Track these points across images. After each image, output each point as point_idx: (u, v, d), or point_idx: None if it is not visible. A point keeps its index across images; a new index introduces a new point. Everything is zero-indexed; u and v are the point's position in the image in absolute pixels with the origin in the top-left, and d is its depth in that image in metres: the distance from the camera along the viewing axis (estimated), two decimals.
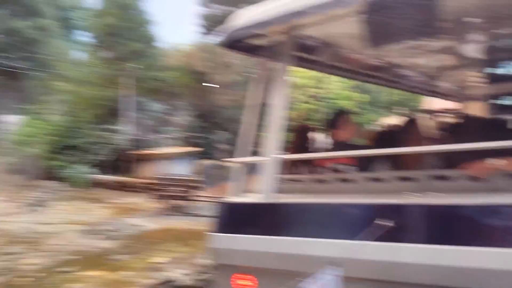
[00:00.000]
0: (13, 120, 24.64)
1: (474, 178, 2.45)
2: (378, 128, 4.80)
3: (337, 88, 22.86)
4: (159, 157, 20.40)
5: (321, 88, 21.62)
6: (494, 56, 4.69)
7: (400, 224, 2.24)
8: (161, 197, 15.29)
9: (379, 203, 2.46)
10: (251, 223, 2.94)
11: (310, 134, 4.08)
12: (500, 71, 5.34)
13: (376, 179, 2.86)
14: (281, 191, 2.98)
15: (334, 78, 19.56)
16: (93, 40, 26.36)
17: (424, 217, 2.26)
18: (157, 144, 22.25)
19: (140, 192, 19.06)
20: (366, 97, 22.65)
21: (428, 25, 2.51)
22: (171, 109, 23.66)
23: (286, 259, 2.61)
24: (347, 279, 2.11)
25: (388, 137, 3.87)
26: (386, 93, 21.21)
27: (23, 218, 14.61)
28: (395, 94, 20.52)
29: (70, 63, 26.26)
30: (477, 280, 1.99)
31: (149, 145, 21.25)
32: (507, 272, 1.91)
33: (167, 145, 22.36)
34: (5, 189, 18.24)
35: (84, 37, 33.09)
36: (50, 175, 20.56)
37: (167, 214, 15.03)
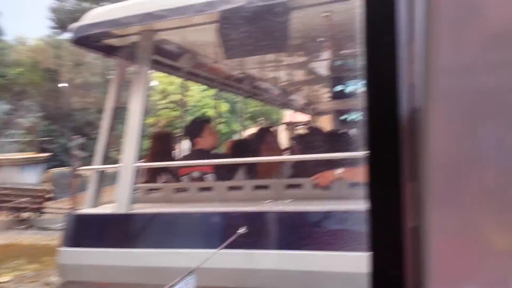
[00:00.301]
0: None
1: (321, 186, 2.69)
2: (236, 138, 5.02)
3: (197, 95, 23.22)
4: (2, 163, 18.10)
5: (185, 95, 21.68)
6: (339, 74, 5.26)
7: (253, 231, 2.33)
8: (6, 209, 13.59)
9: (235, 211, 2.54)
10: (103, 235, 2.83)
11: (172, 142, 4.09)
12: (345, 88, 6.05)
13: (233, 188, 2.95)
14: (139, 200, 2.93)
15: (198, 85, 19.84)
16: None
17: (275, 224, 2.41)
18: (0, 149, 19.74)
19: None
20: (227, 106, 23.37)
21: (278, 41, 2.63)
22: (16, 110, 21.15)
23: (139, 272, 2.55)
24: None
25: (243, 146, 4.10)
26: (251, 104, 22.21)
27: None
28: (260, 106, 21.72)
29: None
30: (324, 283, 2.16)
31: None
32: (347, 274, 2.04)
33: (12, 150, 19.98)
34: None
35: None
36: None
37: (13, 228, 13.45)
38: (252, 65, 4.58)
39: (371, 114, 0.39)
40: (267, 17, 2.57)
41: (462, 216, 0.36)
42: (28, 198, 13.84)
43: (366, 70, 0.41)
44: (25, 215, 13.83)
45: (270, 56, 4.03)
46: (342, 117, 8.20)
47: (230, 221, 2.47)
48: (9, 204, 13.61)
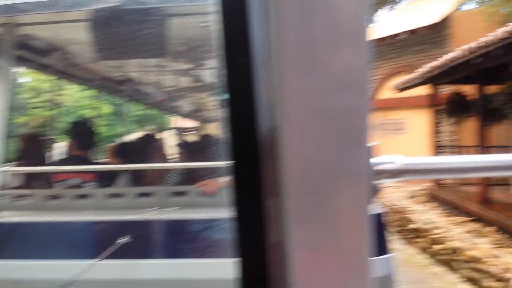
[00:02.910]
0: None
1: (206, 194, 2.68)
2: (117, 142, 4.82)
3: (76, 95, 21.76)
4: None
5: (61, 94, 20.13)
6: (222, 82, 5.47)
7: (135, 240, 2.26)
8: None
9: (113, 219, 2.46)
10: None
11: (43, 144, 3.87)
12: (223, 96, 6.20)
13: (114, 195, 2.84)
14: (7, 208, 2.70)
15: (75, 85, 18.56)
16: None
17: (158, 232, 2.38)
18: None
19: None
20: (110, 108, 22.24)
21: (157, 46, 2.60)
22: None
23: (7, 286, 2.36)
24: None
25: (126, 151, 3.94)
26: (137, 108, 21.41)
27: None
28: (145, 110, 21.06)
29: None
30: None
31: None
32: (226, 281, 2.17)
33: None
34: None
35: None
36: None
37: None
38: (133, 68, 4.42)
39: (232, 129, 0.42)
40: (144, 21, 2.52)
41: (321, 230, 0.40)
42: None
43: (226, 87, 0.43)
44: None
45: (152, 61, 3.94)
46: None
47: (110, 230, 2.38)
48: None
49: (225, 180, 2.63)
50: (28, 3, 2.38)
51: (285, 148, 0.38)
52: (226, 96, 0.43)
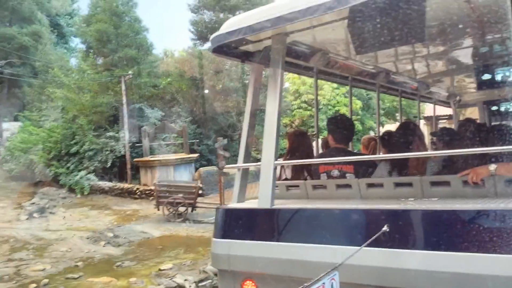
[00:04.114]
0: (11, 127, 24.74)
1: (471, 183, 2.52)
2: (375, 135, 4.82)
3: (330, 94, 23.19)
4: (159, 164, 20.48)
5: (317, 94, 21.87)
6: (485, 62, 4.80)
7: (397, 230, 2.28)
8: (164, 203, 15.41)
9: (376, 208, 2.51)
10: (250, 229, 3.00)
11: (307, 140, 4.15)
12: (492, 76, 5.41)
13: (374, 185, 2.92)
14: (280, 197, 3.04)
15: (326, 83, 19.86)
16: (87, 47, 26.43)
17: (421, 223, 2.34)
18: (157, 151, 22.38)
19: (142, 198, 19.21)
20: (359, 103, 22.93)
21: (415, 31, 2.52)
22: (168, 116, 23.81)
23: (284, 264, 2.67)
24: (345, 285, 2.12)
25: (385, 143, 3.94)
26: (386, 100, 21.45)
27: (27, 225, 14.74)
28: (393, 101, 20.82)
29: (65, 70, 26.29)
30: (476, 286, 2.04)
31: (148, 151, 21.39)
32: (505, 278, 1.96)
33: (166, 152, 22.47)
34: (8, 196, 18.35)
35: (77, 43, 33.22)
36: (51, 182, 20.65)
37: (170, 221, 15.16)
38: (386, 58, 4.33)
39: None
40: (401, 7, 2.48)
41: None
42: (183, 194, 15.43)
43: None
44: (179, 209, 15.44)
45: (406, 48, 3.85)
46: (493, 108, 7.48)
47: (372, 219, 2.46)
48: (167, 199, 15.36)
49: (492, 168, 2.46)
50: (293, 12, 2.57)
51: None
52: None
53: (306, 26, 2.90)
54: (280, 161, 3.73)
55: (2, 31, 28.86)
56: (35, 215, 16.15)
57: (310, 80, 20.63)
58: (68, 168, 20.83)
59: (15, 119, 26.77)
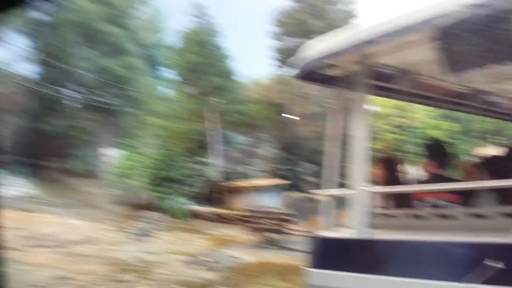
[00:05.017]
0: (112, 154, 26.86)
1: None
2: (475, 159, 4.49)
3: (423, 117, 22.30)
4: (248, 189, 21.03)
5: (405, 117, 21.28)
6: None
7: (509, 266, 2.10)
8: (255, 229, 15.70)
9: (487, 242, 2.31)
10: (346, 259, 2.89)
11: (399, 166, 3.98)
12: None
13: (480, 216, 2.67)
14: (373, 226, 2.86)
15: (419, 106, 19.16)
16: (176, 76, 28.09)
17: None
18: (246, 176, 23.01)
19: (234, 223, 19.77)
20: (456, 126, 21.79)
21: (508, 48, 2.36)
22: (255, 141, 24.47)
23: None
24: None
25: (489, 168, 3.57)
26: (478, 122, 20.28)
27: (130, 247, 15.75)
28: (488, 122, 19.61)
29: (158, 99, 28.10)
30: None
31: (238, 177, 22.09)
32: None
33: (255, 177, 23.01)
34: (110, 219, 19.85)
35: (169, 73, 35.44)
36: (151, 206, 21.96)
37: (262, 247, 15.38)
38: (481, 78, 3.86)
39: None
40: (496, 25, 2.30)
41: None
42: (271, 220, 15.65)
43: None
44: (269, 235, 15.64)
45: (502, 67, 3.63)
46: None
47: (479, 253, 2.25)
48: (255, 225, 15.66)
49: None
50: (379, 34, 2.54)
51: None
52: None
53: (391, 47, 2.80)
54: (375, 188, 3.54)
55: (101, 64, 31.54)
56: (137, 238, 17.25)
57: (399, 103, 20.08)
58: (164, 192, 22.09)
59: (115, 146, 29.05)
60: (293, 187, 22.92)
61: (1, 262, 1.08)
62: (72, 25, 28.50)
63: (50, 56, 26.98)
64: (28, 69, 31.40)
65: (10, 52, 27.09)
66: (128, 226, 18.88)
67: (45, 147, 26.52)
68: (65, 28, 28.35)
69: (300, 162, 22.13)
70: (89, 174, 26.29)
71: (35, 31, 28.19)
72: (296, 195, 20.76)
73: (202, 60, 25.63)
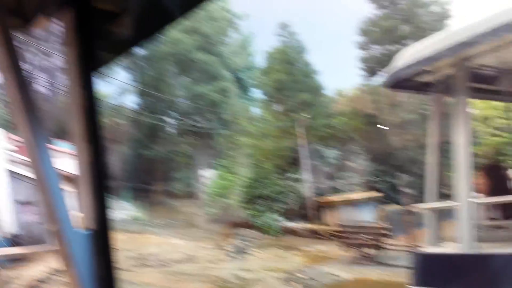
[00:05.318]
0: (208, 174, 28.25)
1: None
2: None
3: None
4: (342, 203, 20.73)
5: (509, 118, 19.46)
6: None
7: None
8: (350, 245, 15.37)
9: None
10: (453, 276, 2.71)
11: (505, 173, 3.75)
12: None
13: None
14: (480, 239, 2.70)
15: None
16: (264, 96, 28.85)
17: None
18: (338, 190, 22.73)
19: (328, 239, 19.55)
20: None
21: None
22: (346, 154, 24.11)
23: None
24: None
25: None
26: None
27: (227, 265, 16.33)
28: None
29: (249, 119, 29.08)
30: None
31: (330, 191, 21.89)
32: None
33: (347, 191, 22.65)
34: (209, 238, 20.77)
35: (257, 93, 36.56)
36: (246, 224, 22.55)
37: (359, 263, 14.99)
38: None
39: None
40: None
41: None
42: (367, 235, 15.17)
43: None
44: (365, 251, 15.15)
45: None
46: None
47: None
48: (351, 241, 15.28)
49: None
50: (476, 35, 2.43)
51: None
52: None
53: (491, 47, 2.66)
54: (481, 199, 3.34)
55: (196, 90, 33.52)
56: (233, 255, 17.82)
57: (501, 104, 18.45)
58: (258, 210, 22.57)
59: (210, 166, 30.51)
60: (388, 199, 22.02)
61: (114, 282, 1.20)
62: (167, 57, 30.92)
63: (149, 87, 29.42)
64: (130, 100, 34.66)
65: (114, 86, 30.25)
66: (225, 244, 19.56)
67: (147, 172, 28.83)
68: (161, 60, 30.84)
69: (394, 173, 21.23)
70: (188, 195, 27.90)
71: (135, 65, 31.04)
72: (392, 208, 19.92)
73: (288, 77, 26.08)
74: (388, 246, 15.05)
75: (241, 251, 18.22)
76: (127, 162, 27.66)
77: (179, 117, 31.88)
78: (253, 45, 40.88)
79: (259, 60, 37.31)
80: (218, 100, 33.93)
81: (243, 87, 42.43)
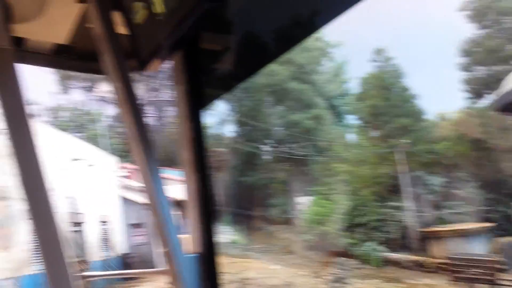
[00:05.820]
0: (304, 201, 28.36)
1: None
2: None
3: None
4: (449, 234, 19.41)
5: None
6: None
7: None
8: (460, 279, 14.29)
9: None
10: None
11: None
12: None
13: None
14: None
15: None
16: (359, 122, 28.42)
17: None
18: (443, 220, 21.38)
19: (435, 272, 18.37)
20: None
21: None
22: (452, 182, 22.66)
23: None
24: None
25: None
26: None
27: None
28: None
29: (344, 145, 28.79)
30: None
31: (434, 221, 20.67)
32: None
33: (454, 221, 21.21)
34: (306, 265, 20.70)
35: (352, 120, 36.15)
36: (344, 252, 22.07)
37: None
38: None
39: None
40: None
41: None
42: (479, 269, 13.99)
43: None
44: (477, 286, 13.97)
45: None
46: None
47: None
48: (461, 275, 14.19)
49: None
50: None
51: None
52: None
53: None
54: None
55: (291, 118, 34.19)
56: (332, 284, 17.50)
57: None
58: (357, 238, 22.02)
59: (306, 193, 30.62)
60: (502, 230, 20.12)
61: None
62: (264, 87, 32.19)
63: (246, 116, 30.73)
64: (229, 130, 36.40)
65: (215, 116, 32.14)
66: (323, 272, 19.31)
67: (246, 198, 29.76)
68: (258, 90, 32.20)
69: (507, 202, 19.43)
70: (285, 221, 28.15)
71: (233, 96, 32.72)
72: (507, 240, 18.17)
73: (385, 102, 25.55)
74: (503, 282, 13.73)
75: (340, 281, 17.84)
76: (227, 188, 28.88)
77: (275, 145, 32.69)
78: (347, 72, 40.81)
79: (354, 86, 37.15)
80: (313, 127, 34.21)
81: (337, 114, 42.25)
